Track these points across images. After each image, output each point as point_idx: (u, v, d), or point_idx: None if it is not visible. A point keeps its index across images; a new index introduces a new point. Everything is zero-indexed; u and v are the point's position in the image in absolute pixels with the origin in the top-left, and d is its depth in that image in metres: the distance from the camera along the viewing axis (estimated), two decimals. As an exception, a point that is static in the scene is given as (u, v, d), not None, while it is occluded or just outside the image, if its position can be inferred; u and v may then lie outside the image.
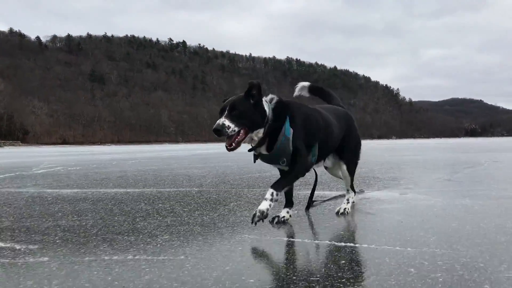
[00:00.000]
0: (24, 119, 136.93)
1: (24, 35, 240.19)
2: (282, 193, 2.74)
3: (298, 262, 2.07)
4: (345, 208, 3.23)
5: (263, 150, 2.71)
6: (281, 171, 2.89)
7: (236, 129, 2.49)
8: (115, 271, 1.97)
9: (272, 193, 2.61)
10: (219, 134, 2.45)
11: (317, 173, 3.43)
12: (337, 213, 3.21)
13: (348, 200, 3.32)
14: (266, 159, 2.75)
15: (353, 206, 3.34)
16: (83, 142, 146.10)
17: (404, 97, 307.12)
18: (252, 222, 2.60)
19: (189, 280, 1.81)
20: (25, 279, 1.89)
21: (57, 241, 2.64)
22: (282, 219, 2.88)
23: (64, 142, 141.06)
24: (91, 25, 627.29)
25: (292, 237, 2.59)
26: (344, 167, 3.23)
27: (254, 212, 2.59)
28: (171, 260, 2.13)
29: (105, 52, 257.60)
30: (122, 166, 10.75)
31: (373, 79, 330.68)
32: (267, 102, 2.68)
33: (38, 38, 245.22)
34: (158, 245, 2.46)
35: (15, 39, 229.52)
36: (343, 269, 1.89)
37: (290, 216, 2.93)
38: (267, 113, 2.62)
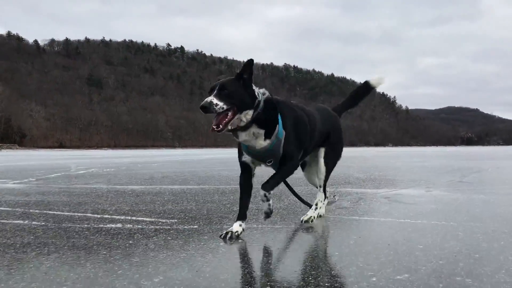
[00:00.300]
0: (22, 123, 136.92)
1: (22, 38, 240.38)
2: (273, 191, 2.78)
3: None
4: (310, 217, 3.19)
5: (259, 141, 2.68)
6: (247, 170, 2.88)
7: (225, 107, 2.46)
8: (255, 237, 2.77)
9: (265, 194, 2.71)
10: (206, 110, 2.44)
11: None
12: (302, 221, 3.18)
13: (316, 205, 3.27)
14: (254, 154, 2.75)
15: (320, 214, 3.27)
16: (80, 146, 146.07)
17: (400, 105, 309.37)
18: (265, 220, 2.89)
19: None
20: (188, 242, 2.66)
21: (187, 217, 3.50)
22: (236, 233, 2.72)
23: (61, 146, 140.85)
24: (89, 29, 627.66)
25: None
26: (322, 155, 3.20)
27: (262, 215, 2.84)
28: (283, 228, 2.93)
29: (103, 56, 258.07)
30: (150, 168, 11.58)
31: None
32: (260, 93, 2.68)
33: (36, 41, 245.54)
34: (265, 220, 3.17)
35: (13, 42, 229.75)
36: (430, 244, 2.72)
37: (243, 229, 2.78)
38: (258, 97, 2.63)
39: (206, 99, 2.46)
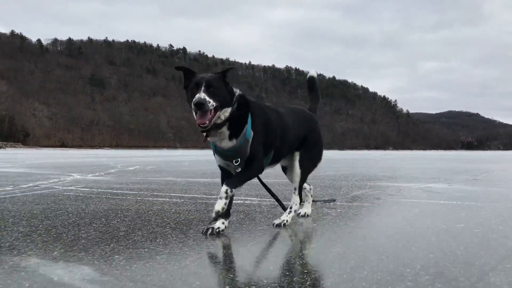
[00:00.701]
0: (25, 122, 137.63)
1: (25, 37, 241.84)
2: (235, 191, 2.70)
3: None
4: (283, 220, 3.06)
5: (224, 140, 2.64)
6: (225, 172, 2.86)
7: (215, 104, 2.44)
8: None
9: (227, 190, 2.62)
10: (201, 107, 2.38)
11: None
12: (273, 224, 3.05)
13: (290, 208, 3.14)
14: (221, 154, 2.73)
15: (293, 217, 3.13)
16: (82, 145, 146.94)
17: (401, 108, 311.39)
18: (209, 225, 2.77)
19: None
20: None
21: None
22: (217, 230, 2.73)
23: (63, 145, 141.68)
24: (92, 29, 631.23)
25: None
26: (297, 158, 3.11)
27: (212, 214, 2.63)
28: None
29: (106, 56, 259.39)
30: (178, 167, 12.23)
31: (371, 90, 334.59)
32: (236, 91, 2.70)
33: (39, 41, 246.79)
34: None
35: (16, 41, 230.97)
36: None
37: (225, 227, 2.79)
38: (235, 96, 2.63)
39: (199, 96, 2.39)
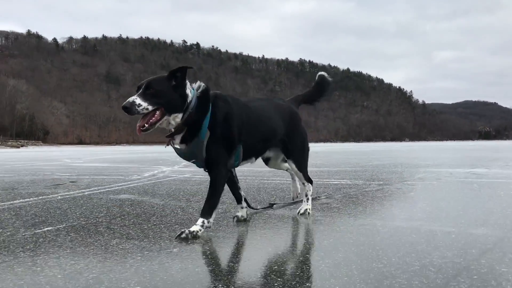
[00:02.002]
0: (44, 120, 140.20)
1: (41, 36, 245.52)
2: (214, 216, 2.58)
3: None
4: (305, 209, 3.19)
5: (177, 141, 2.55)
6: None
7: (149, 107, 2.31)
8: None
9: (203, 221, 2.52)
10: (128, 111, 2.28)
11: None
12: (298, 213, 3.21)
13: (307, 195, 3.26)
14: (179, 155, 2.63)
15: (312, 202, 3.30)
16: (99, 142, 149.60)
17: (417, 99, 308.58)
18: (176, 237, 2.47)
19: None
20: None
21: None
22: (242, 217, 2.88)
23: (81, 142, 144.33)
24: (106, 26, 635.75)
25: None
26: (293, 165, 3.13)
27: (183, 230, 2.49)
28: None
29: (120, 53, 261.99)
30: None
31: (386, 81, 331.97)
32: (193, 89, 2.52)
33: (54, 39, 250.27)
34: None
35: (32, 40, 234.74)
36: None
37: (246, 211, 3.00)
38: (189, 98, 2.45)
39: (128, 99, 2.30)
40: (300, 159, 3.15)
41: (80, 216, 3.30)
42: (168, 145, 2.59)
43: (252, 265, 2.04)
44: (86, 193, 4.79)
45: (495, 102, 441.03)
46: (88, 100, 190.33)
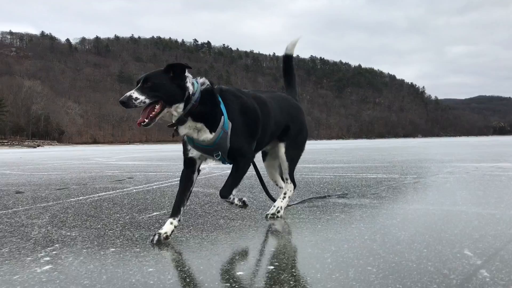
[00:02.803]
0: (60, 120, 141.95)
1: (55, 37, 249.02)
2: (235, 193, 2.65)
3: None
4: (277, 208, 3.09)
5: (182, 131, 2.53)
6: (189, 167, 2.69)
7: (147, 101, 2.31)
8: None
9: (225, 200, 2.63)
10: (125, 106, 2.29)
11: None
12: (266, 216, 3.08)
13: (284, 194, 3.13)
14: (200, 149, 2.61)
15: (287, 202, 3.15)
16: (113, 141, 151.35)
17: (429, 95, 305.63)
18: (229, 200, 2.63)
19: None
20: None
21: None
22: (165, 235, 2.50)
23: (95, 141, 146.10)
24: (118, 26, 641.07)
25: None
26: (282, 150, 3.03)
27: (231, 200, 2.62)
28: None
29: (132, 53, 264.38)
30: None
31: (398, 77, 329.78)
32: (197, 82, 2.53)
33: (68, 40, 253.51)
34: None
35: (46, 42, 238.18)
36: None
37: (174, 227, 2.57)
38: (190, 90, 2.44)
39: (125, 93, 2.33)
40: (290, 148, 3.06)
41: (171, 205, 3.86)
42: (174, 135, 2.58)
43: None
44: (154, 186, 5.38)
45: (509, 97, 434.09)
46: (102, 99, 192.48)
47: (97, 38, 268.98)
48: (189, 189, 2.66)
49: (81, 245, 2.45)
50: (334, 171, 7.18)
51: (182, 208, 2.60)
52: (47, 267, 2.04)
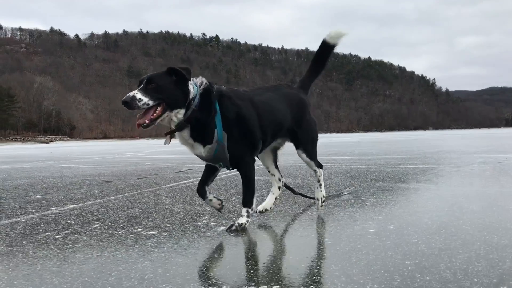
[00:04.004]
0: (71, 115, 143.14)
1: (64, 33, 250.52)
2: (255, 201, 2.74)
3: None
4: (321, 198, 3.17)
5: (195, 146, 2.55)
6: (210, 168, 2.79)
7: (150, 103, 2.27)
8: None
9: (247, 210, 2.69)
10: (128, 106, 2.24)
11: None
12: (317, 205, 3.21)
13: (319, 181, 3.17)
14: (204, 159, 2.64)
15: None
16: (123, 136, 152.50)
17: (440, 87, 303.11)
18: (227, 230, 2.66)
19: None
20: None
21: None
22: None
23: (105, 136, 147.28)
24: (126, 21, 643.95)
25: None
26: (304, 155, 3.05)
27: (232, 223, 2.69)
28: None
29: (141, 48, 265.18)
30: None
31: (408, 69, 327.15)
32: (196, 85, 2.50)
33: (77, 36, 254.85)
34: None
35: (55, 37, 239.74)
36: None
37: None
38: (192, 94, 2.43)
39: (129, 93, 2.28)
40: (309, 148, 3.10)
41: (257, 189, 4.53)
42: (167, 143, 2.61)
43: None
44: (221, 177, 6.04)
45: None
46: (111, 95, 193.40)
47: (105, 33, 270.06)
48: (213, 173, 2.82)
49: (226, 216, 3.07)
50: (374, 162, 7.78)
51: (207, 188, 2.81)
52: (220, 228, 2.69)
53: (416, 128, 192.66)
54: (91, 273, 1.94)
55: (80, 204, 3.96)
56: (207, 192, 2.78)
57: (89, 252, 2.30)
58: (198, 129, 2.49)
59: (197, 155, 2.63)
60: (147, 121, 2.31)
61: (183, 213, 3.32)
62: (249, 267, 2.00)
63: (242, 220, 2.68)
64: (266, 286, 1.70)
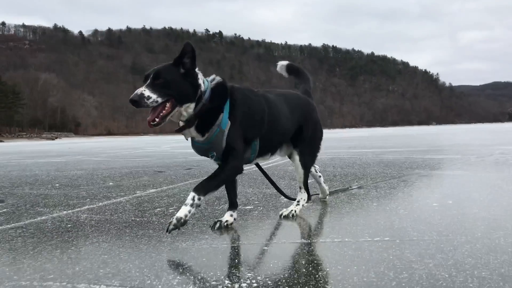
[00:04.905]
0: (75, 112, 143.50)
1: (67, 30, 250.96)
2: (205, 198, 2.32)
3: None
4: (291, 211, 2.87)
5: (193, 133, 2.39)
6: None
7: (159, 100, 2.13)
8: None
9: (194, 197, 2.25)
10: (136, 105, 2.10)
11: (262, 167, 3.14)
12: (281, 215, 2.87)
13: (298, 202, 2.94)
14: (196, 148, 2.46)
15: (301, 210, 2.94)
16: (127, 133, 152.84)
17: (444, 82, 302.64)
18: (166, 231, 2.26)
19: None
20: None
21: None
22: (225, 223, 2.56)
23: (109, 133, 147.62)
24: (130, 18, 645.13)
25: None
26: (297, 157, 2.85)
27: (171, 219, 2.26)
28: None
29: (145, 44, 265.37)
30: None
31: (411, 64, 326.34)
32: (207, 80, 2.39)
33: (80, 32, 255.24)
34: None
35: (59, 34, 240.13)
36: None
37: (234, 219, 2.62)
38: (202, 88, 2.30)
39: (136, 91, 2.15)
40: (305, 155, 2.90)
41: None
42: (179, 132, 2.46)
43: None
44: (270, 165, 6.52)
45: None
46: (115, 91, 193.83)
47: (109, 30, 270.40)
48: (234, 185, 2.71)
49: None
50: (399, 154, 8.21)
51: (236, 200, 2.71)
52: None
53: (420, 123, 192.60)
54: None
55: (159, 189, 4.39)
56: (236, 206, 2.70)
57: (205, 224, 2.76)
58: (204, 121, 2.36)
59: (195, 145, 2.47)
60: (157, 120, 2.18)
61: (259, 194, 3.79)
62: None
63: (182, 212, 2.25)
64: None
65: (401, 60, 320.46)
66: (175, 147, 16.23)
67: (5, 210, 3.50)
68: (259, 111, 2.53)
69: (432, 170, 5.22)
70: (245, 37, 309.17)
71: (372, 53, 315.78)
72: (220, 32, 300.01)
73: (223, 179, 2.41)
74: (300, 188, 2.95)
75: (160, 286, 1.62)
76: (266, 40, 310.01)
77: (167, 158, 9.76)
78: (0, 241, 2.47)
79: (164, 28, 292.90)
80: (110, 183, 5.08)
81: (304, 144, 2.88)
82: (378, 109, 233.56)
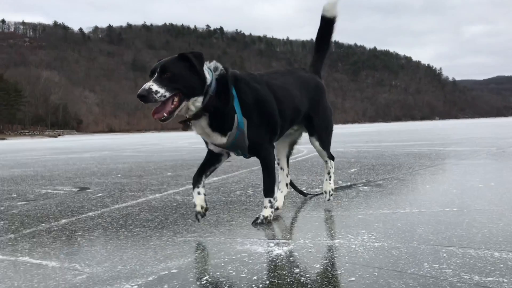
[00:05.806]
0: (77, 109, 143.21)
1: (68, 27, 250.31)
2: (276, 190, 2.62)
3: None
4: (329, 191, 2.96)
5: (213, 136, 2.38)
6: (213, 155, 2.57)
7: (167, 94, 2.11)
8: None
9: (270, 200, 2.54)
10: (145, 100, 2.07)
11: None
12: (325, 199, 3.00)
13: (329, 173, 2.99)
14: (221, 147, 2.48)
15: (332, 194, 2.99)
16: (129, 130, 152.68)
17: (447, 76, 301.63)
18: (252, 223, 2.54)
19: None
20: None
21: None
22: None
23: (111, 130, 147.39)
24: (130, 14, 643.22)
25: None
26: (317, 143, 2.85)
27: (258, 215, 2.57)
28: None
29: (145, 41, 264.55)
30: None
31: (414, 58, 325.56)
32: (211, 70, 2.33)
33: (81, 29, 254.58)
34: None
35: (59, 31, 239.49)
36: None
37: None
38: (208, 81, 2.26)
39: (144, 86, 2.11)
40: (324, 137, 2.91)
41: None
42: (186, 130, 2.41)
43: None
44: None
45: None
46: (116, 88, 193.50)
47: (109, 26, 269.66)
48: (213, 165, 2.61)
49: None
50: (420, 147, 7.87)
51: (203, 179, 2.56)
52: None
53: (423, 118, 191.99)
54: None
55: (218, 177, 4.57)
56: (202, 184, 2.53)
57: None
58: (217, 118, 2.33)
59: (214, 144, 2.46)
60: (165, 114, 2.14)
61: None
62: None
63: (266, 212, 2.55)
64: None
65: (404, 55, 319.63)
66: (192, 142, 15.88)
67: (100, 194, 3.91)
68: (269, 102, 2.49)
69: (460, 160, 5.12)
70: (247, 33, 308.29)
71: (375, 48, 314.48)
72: (221, 28, 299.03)
73: (271, 172, 2.55)
74: (327, 161, 2.99)
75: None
76: (268, 36, 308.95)
77: (196, 152, 9.53)
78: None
79: (165, 24, 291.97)
80: (169, 173, 5.30)
81: (318, 128, 2.85)
82: (381, 104, 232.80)
